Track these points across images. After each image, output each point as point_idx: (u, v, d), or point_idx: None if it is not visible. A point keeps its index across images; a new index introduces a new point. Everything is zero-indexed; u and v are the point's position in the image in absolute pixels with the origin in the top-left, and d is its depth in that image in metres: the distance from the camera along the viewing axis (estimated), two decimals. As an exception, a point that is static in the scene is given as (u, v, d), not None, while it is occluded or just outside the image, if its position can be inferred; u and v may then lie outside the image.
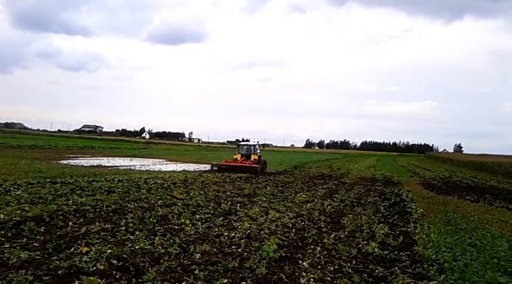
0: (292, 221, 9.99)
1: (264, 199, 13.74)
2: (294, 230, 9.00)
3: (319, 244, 7.86)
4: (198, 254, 6.58)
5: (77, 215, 8.93)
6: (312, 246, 7.71)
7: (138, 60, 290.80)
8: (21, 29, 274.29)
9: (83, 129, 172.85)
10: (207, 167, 30.27)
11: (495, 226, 11.32)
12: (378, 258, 7.18)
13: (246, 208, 11.52)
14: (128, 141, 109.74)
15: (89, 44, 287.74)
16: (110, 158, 37.78)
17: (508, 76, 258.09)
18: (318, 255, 7.09)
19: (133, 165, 29.20)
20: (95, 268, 5.54)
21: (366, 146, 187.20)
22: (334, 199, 14.93)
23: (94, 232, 7.44)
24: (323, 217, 10.90)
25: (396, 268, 6.58)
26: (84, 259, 5.83)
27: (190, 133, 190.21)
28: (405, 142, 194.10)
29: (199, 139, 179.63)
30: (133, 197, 12.01)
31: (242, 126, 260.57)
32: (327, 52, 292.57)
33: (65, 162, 28.69)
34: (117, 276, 5.35)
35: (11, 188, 12.11)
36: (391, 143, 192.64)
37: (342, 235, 8.78)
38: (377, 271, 6.41)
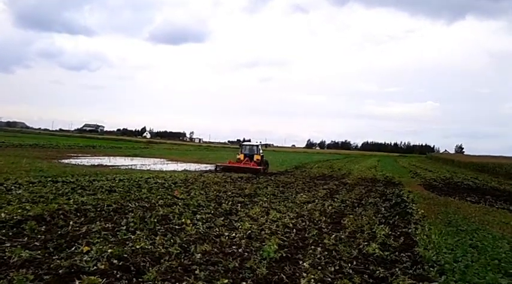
0: (293, 221, 9.99)
1: (265, 199, 13.73)
2: (294, 230, 8.99)
3: (320, 245, 7.85)
4: (199, 254, 6.58)
5: (78, 214, 8.93)
6: (312, 247, 7.70)
7: (139, 60, 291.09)
8: (24, 28, 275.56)
9: (84, 128, 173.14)
10: (208, 167, 30.34)
11: (496, 227, 11.31)
12: (379, 259, 7.18)
13: (246, 208, 11.52)
14: (129, 140, 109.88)
15: (91, 44, 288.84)
16: (111, 157, 37.82)
17: (509, 78, 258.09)
18: (318, 256, 7.08)
19: (134, 165, 29.21)
20: (95, 267, 5.54)
21: (367, 147, 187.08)
22: (335, 199, 14.92)
23: (95, 232, 7.44)
24: (324, 218, 10.90)
25: (397, 269, 6.57)
26: (84, 258, 5.83)
27: (191, 133, 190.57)
28: (406, 143, 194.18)
29: (200, 139, 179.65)
30: (134, 196, 12.01)
31: (243, 126, 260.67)
32: (328, 52, 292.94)
33: (66, 161, 28.72)
34: (118, 276, 5.35)
35: (12, 187, 12.11)
36: (392, 144, 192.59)
37: (342, 236, 8.77)
38: (378, 272, 6.41)
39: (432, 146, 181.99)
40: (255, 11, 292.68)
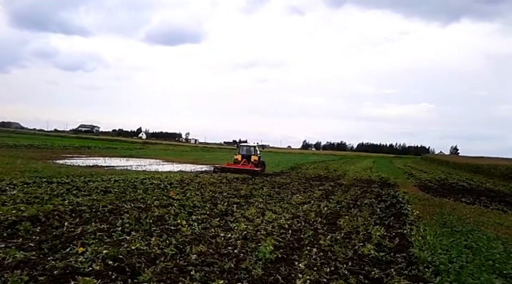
0: (289, 222, 9.99)
1: (261, 200, 13.73)
2: (290, 231, 9.00)
3: (315, 246, 7.86)
4: (194, 255, 6.57)
5: (73, 215, 8.89)
6: (308, 247, 7.71)
7: (136, 61, 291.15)
8: (19, 28, 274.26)
9: (79, 128, 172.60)
10: (204, 168, 30.35)
11: (491, 228, 11.38)
12: (374, 260, 7.19)
13: (242, 209, 11.51)
14: (124, 141, 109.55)
15: (87, 44, 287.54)
16: (107, 158, 37.70)
17: (505, 80, 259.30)
18: (314, 256, 7.09)
19: (130, 165, 29.15)
20: (90, 268, 5.52)
21: (363, 148, 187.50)
22: (331, 200, 14.94)
23: (90, 233, 7.41)
24: (319, 219, 10.91)
25: (392, 270, 6.59)
26: (80, 259, 5.81)
27: (187, 133, 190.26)
28: (402, 144, 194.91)
29: (196, 140, 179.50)
30: (130, 197, 11.98)
31: (239, 126, 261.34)
32: (324, 54, 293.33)
33: (61, 161, 28.61)
34: (113, 277, 5.33)
35: (7, 187, 12.05)
36: (388, 145, 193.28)
37: (338, 237, 8.78)
38: (373, 272, 6.42)
39: (427, 147, 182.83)
40: (252, 11, 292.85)
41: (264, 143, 39.08)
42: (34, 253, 6.02)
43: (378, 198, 16.84)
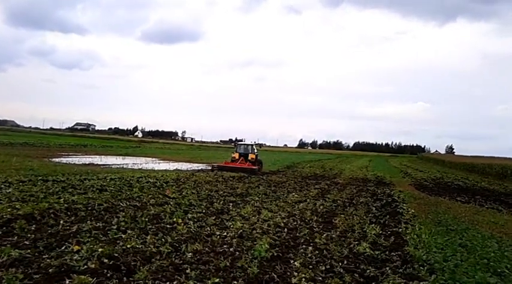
0: (285, 221, 10.01)
1: (257, 198, 13.75)
2: (286, 230, 9.01)
3: (311, 244, 7.88)
4: (190, 254, 6.57)
5: (69, 213, 8.86)
6: (303, 246, 7.73)
7: (132, 59, 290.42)
8: (15, 27, 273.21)
9: (75, 127, 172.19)
10: (200, 166, 30.31)
11: (485, 227, 11.43)
12: (369, 258, 7.22)
13: (238, 208, 11.52)
14: (120, 139, 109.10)
15: (84, 42, 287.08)
16: (103, 156, 37.61)
17: (501, 79, 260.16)
18: (309, 255, 7.11)
19: (126, 164, 29.08)
20: (86, 266, 5.52)
21: (359, 147, 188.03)
22: (327, 199, 14.97)
23: (85, 231, 7.40)
24: (315, 217, 10.93)
25: (387, 268, 6.62)
26: (75, 257, 5.80)
27: (184, 132, 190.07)
28: (397, 143, 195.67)
29: (192, 139, 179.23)
30: (126, 196, 11.96)
31: (236, 125, 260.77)
32: (321, 53, 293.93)
33: (57, 160, 28.50)
34: (108, 275, 5.33)
35: (2, 186, 11.98)
36: (384, 144, 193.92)
37: (333, 235, 8.81)
38: (368, 271, 6.44)
39: (423, 146, 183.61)
40: (249, 11, 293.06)
41: (260, 142, 39.18)
42: (29, 251, 6.00)
43: (373, 197, 16.89)
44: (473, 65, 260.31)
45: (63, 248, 6.31)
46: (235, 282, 5.52)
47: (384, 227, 10.21)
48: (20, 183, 12.81)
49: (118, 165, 27.75)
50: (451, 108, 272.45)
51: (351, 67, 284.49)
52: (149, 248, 6.61)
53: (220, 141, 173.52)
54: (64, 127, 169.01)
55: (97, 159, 32.85)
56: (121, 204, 10.58)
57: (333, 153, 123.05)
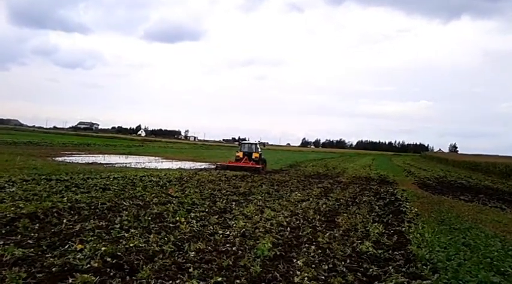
0: (287, 220, 10.00)
1: (260, 197, 13.74)
2: (288, 229, 9.01)
3: (314, 243, 7.87)
4: (193, 253, 6.58)
5: (72, 212, 8.89)
6: (306, 245, 7.72)
7: (135, 58, 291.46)
8: (19, 26, 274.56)
9: (78, 126, 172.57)
10: (203, 165, 30.35)
11: (489, 226, 11.39)
12: (372, 257, 7.20)
13: (241, 207, 11.51)
14: (123, 138, 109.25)
15: (86, 41, 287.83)
16: (106, 155, 37.69)
17: (504, 77, 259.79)
18: (312, 254, 7.10)
19: (129, 163, 29.16)
20: (89, 265, 5.53)
21: (362, 145, 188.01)
22: (329, 198, 14.96)
23: (88, 230, 7.41)
24: (318, 216, 10.92)
25: (390, 267, 6.61)
26: (78, 256, 5.82)
27: (187, 131, 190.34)
28: (401, 142, 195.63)
29: (195, 137, 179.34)
30: (129, 195, 11.98)
31: (238, 124, 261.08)
32: (323, 51, 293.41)
33: (60, 159, 28.60)
34: (111, 274, 5.34)
35: (6, 185, 12.04)
36: (387, 143, 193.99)
37: (336, 234, 8.80)
38: (371, 270, 6.43)
39: (426, 145, 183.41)
40: (251, 9, 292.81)
41: (263, 141, 39.19)
42: (32, 250, 6.02)
43: (376, 196, 16.87)
44: (476, 62, 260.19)
45: (66, 247, 6.32)
46: (237, 281, 5.52)
47: (386, 226, 10.19)
48: (24, 182, 12.86)
49: (121, 164, 27.82)
50: (454, 106, 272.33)
51: (352, 65, 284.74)
52: (152, 247, 6.62)
53: (223, 140, 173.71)
54: (67, 126, 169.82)
55: (100, 158, 32.92)
56: (124, 203, 10.61)
57: (336, 151, 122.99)
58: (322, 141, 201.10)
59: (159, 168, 25.82)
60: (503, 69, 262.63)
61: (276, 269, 6.09)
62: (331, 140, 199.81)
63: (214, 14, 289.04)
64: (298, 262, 6.56)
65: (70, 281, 4.97)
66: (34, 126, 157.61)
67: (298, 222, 9.91)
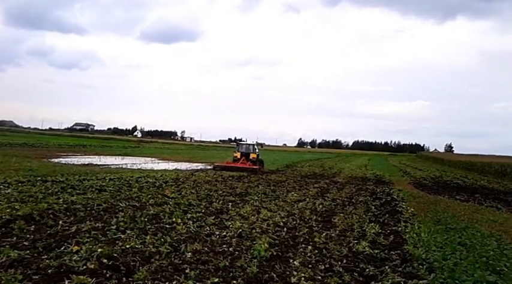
0: (284, 220, 10.01)
1: (256, 198, 13.73)
2: (285, 229, 9.02)
3: (310, 243, 7.88)
4: (189, 254, 6.57)
5: (68, 214, 8.86)
6: (303, 245, 7.73)
7: (131, 59, 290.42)
8: (14, 27, 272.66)
9: (74, 127, 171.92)
10: (200, 166, 30.32)
11: (485, 225, 11.44)
12: (369, 257, 7.22)
13: (237, 207, 11.51)
14: (119, 139, 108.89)
15: (82, 42, 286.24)
16: (102, 156, 37.54)
17: (499, 77, 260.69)
18: (309, 254, 7.11)
19: (125, 164, 29.04)
20: (85, 267, 5.50)
21: (358, 145, 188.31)
22: (326, 198, 14.98)
23: (84, 231, 7.39)
24: (314, 216, 10.93)
25: (386, 267, 6.62)
26: (74, 258, 5.79)
27: (183, 132, 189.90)
28: (397, 142, 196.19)
29: (191, 138, 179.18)
30: (125, 196, 11.95)
31: (235, 125, 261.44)
32: (320, 52, 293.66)
33: (56, 160, 28.46)
34: (108, 275, 5.33)
35: (1, 186, 11.97)
36: (383, 143, 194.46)
37: (333, 234, 8.81)
38: (367, 270, 6.45)
39: (422, 145, 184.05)
40: (248, 9, 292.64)
41: (259, 141, 39.20)
42: (28, 251, 5.99)
43: (372, 196, 16.91)
44: (472, 62, 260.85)
45: (62, 248, 6.29)
46: (234, 282, 5.51)
47: (383, 226, 10.22)
48: (19, 184, 12.80)
49: (117, 165, 27.71)
50: (451, 106, 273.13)
51: (349, 65, 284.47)
52: (148, 249, 6.60)
53: (220, 140, 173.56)
54: (63, 128, 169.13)
55: (96, 159, 32.81)
56: (120, 204, 10.58)
57: (332, 152, 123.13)
58: (318, 141, 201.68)
59: (155, 169, 25.77)
60: (499, 69, 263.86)
61: (273, 270, 6.10)
62: (327, 140, 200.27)
63: (212, 15, 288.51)
64: (295, 262, 6.57)
65: (66, 282, 4.95)
66: (29, 127, 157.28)
67: (294, 222, 9.92)
